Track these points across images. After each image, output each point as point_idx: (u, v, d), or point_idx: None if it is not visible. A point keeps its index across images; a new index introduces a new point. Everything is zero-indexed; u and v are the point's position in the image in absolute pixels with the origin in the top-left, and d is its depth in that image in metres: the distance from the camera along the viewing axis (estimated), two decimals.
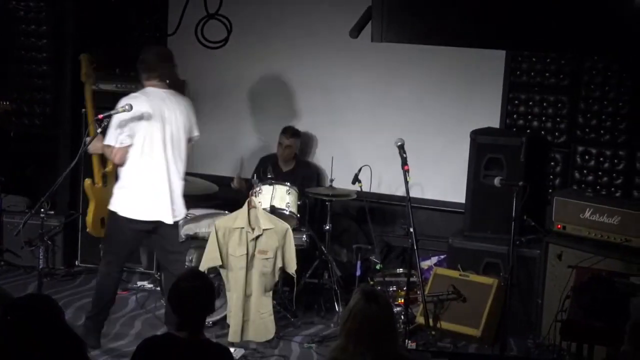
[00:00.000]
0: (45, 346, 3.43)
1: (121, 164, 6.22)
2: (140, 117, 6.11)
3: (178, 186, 6.32)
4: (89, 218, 6.85)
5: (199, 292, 4.08)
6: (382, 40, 5.38)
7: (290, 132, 7.83)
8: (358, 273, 7.26)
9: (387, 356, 3.70)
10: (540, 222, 7.03)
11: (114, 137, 6.13)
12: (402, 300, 6.64)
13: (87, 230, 6.94)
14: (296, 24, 8.05)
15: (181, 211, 6.39)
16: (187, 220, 7.15)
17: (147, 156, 6.17)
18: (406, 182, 6.55)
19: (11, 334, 3.44)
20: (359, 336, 3.67)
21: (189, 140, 6.42)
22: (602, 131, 7.33)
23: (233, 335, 6.49)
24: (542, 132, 7.51)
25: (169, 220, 6.25)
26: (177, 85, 6.71)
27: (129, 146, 6.14)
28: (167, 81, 6.32)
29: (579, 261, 6.33)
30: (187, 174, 7.85)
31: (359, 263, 7.28)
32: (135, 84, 7.86)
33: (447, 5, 5.27)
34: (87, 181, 6.88)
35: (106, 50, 7.99)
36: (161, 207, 6.23)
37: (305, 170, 7.87)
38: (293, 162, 7.89)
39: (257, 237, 6.52)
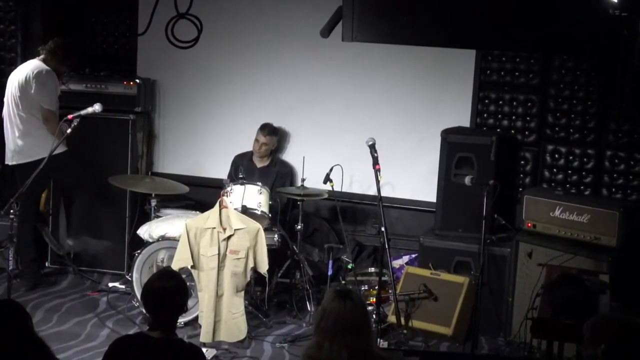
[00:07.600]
0: (10, 354, 3.39)
1: None
2: None
3: (20, 134, 7.27)
4: None
5: (172, 291, 4.07)
6: (353, 39, 5.39)
7: (267, 129, 7.78)
8: (330, 272, 7.26)
9: (362, 353, 3.70)
10: (511, 221, 7.07)
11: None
12: (374, 300, 6.65)
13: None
14: (267, 23, 8.03)
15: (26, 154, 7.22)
16: (158, 220, 7.15)
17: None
18: (377, 182, 6.57)
19: None
20: (335, 334, 3.68)
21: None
22: (571, 130, 7.39)
23: (205, 335, 6.47)
24: (512, 131, 7.55)
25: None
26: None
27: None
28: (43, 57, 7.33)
29: (549, 259, 6.38)
30: (157, 174, 7.91)
31: (330, 262, 7.26)
32: (105, 84, 7.88)
33: (417, 5, 5.29)
34: None
35: (75, 50, 7.93)
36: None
37: (281, 168, 7.85)
38: (269, 159, 7.87)
39: (229, 237, 6.51)
